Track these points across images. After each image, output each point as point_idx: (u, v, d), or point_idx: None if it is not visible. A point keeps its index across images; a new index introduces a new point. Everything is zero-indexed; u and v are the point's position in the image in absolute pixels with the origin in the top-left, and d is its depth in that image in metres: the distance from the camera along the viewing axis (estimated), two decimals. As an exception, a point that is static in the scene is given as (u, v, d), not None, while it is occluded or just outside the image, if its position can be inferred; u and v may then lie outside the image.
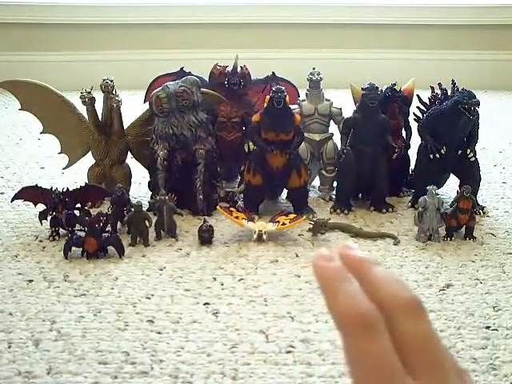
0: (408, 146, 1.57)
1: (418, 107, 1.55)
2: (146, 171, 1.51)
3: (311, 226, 1.32)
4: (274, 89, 1.41)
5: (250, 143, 1.48)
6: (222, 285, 1.14)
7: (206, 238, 1.29)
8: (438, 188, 1.43)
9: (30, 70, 2.39)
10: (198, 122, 1.43)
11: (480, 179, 1.47)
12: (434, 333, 0.34)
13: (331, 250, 0.36)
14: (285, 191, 1.50)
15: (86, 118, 1.51)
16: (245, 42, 2.75)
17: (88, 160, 1.55)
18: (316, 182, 1.60)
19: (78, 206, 1.36)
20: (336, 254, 0.36)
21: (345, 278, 0.34)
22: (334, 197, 1.53)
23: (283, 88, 1.41)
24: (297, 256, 1.25)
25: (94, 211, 1.35)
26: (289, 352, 0.94)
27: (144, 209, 1.33)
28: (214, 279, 1.16)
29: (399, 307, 0.34)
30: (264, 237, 1.29)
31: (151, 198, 1.46)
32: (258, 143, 1.42)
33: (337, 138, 1.55)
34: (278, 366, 0.91)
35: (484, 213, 1.45)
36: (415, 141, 1.54)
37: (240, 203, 1.47)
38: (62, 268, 1.19)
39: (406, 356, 0.33)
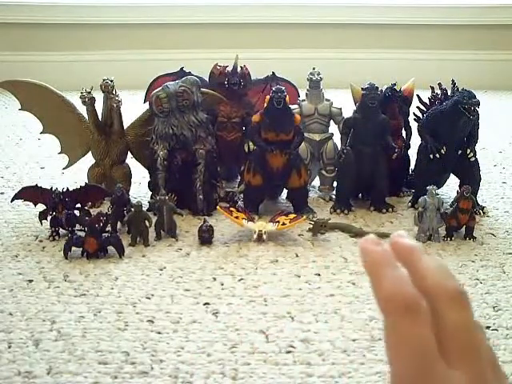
0: (408, 146, 1.57)
1: (418, 107, 1.55)
2: (146, 171, 1.52)
3: (311, 225, 1.32)
4: (274, 89, 1.41)
5: (250, 143, 1.48)
6: (222, 285, 1.14)
7: (205, 238, 1.29)
8: (438, 188, 1.43)
9: (30, 70, 2.39)
10: (198, 121, 1.43)
11: (480, 179, 1.47)
12: (477, 325, 0.34)
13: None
14: (285, 191, 1.50)
15: (86, 118, 1.51)
16: (245, 42, 2.75)
17: (88, 160, 1.55)
18: (316, 182, 1.60)
19: (78, 205, 1.36)
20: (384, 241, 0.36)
21: (391, 262, 0.35)
22: (333, 197, 1.53)
23: (283, 88, 1.41)
24: (297, 256, 1.25)
25: (94, 211, 1.35)
26: (289, 352, 0.94)
27: (144, 209, 1.33)
28: (214, 279, 1.16)
29: (444, 297, 0.34)
30: (264, 237, 1.29)
31: (151, 198, 1.46)
32: (258, 143, 1.42)
33: (337, 138, 1.55)
34: (278, 366, 0.91)
35: (484, 213, 1.45)
36: (415, 141, 1.54)
37: (240, 203, 1.47)
38: (61, 268, 1.19)
39: (447, 345, 0.33)
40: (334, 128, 1.58)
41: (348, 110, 1.52)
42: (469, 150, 1.44)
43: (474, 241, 1.31)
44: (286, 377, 0.89)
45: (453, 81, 1.48)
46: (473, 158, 1.44)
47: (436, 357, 0.32)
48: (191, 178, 1.42)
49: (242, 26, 2.81)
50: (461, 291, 0.35)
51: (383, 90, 1.50)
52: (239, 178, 1.56)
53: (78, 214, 1.34)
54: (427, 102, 1.53)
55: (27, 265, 1.21)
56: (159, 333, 0.99)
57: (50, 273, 1.17)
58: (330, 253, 1.26)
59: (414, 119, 1.54)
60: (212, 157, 1.44)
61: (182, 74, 1.60)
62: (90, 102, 1.47)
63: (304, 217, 1.35)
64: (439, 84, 1.49)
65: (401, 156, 1.52)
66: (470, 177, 1.44)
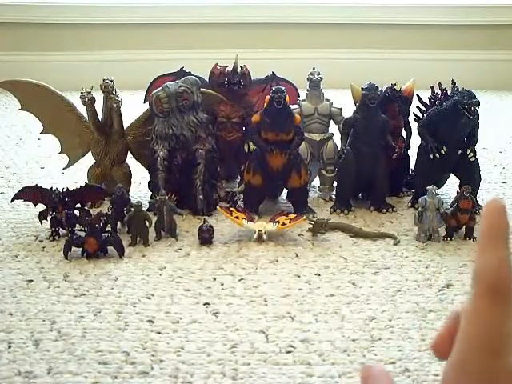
0: (408, 146, 1.57)
1: (418, 107, 1.55)
2: (146, 171, 1.51)
3: (311, 225, 1.32)
4: (273, 89, 1.41)
5: (250, 143, 1.48)
6: (222, 285, 1.14)
7: (205, 238, 1.29)
8: (438, 188, 1.43)
9: (29, 70, 2.39)
10: (198, 121, 1.43)
11: (480, 179, 1.47)
12: None
13: None
14: (285, 191, 1.50)
15: (86, 118, 1.51)
16: (245, 42, 2.75)
17: (88, 160, 1.55)
18: (316, 181, 1.60)
19: (78, 205, 1.36)
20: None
21: (506, 238, 0.34)
22: (333, 197, 1.53)
23: (283, 88, 1.41)
24: (297, 256, 1.25)
25: (94, 211, 1.35)
26: (289, 352, 0.94)
27: (144, 209, 1.33)
28: (214, 279, 1.16)
29: None
30: (264, 237, 1.29)
31: (151, 197, 1.46)
32: (258, 143, 1.42)
33: (337, 138, 1.55)
34: (278, 366, 0.91)
35: (484, 213, 1.45)
36: (415, 141, 1.54)
37: (240, 203, 1.47)
38: (62, 268, 1.19)
39: None
40: (334, 128, 1.58)
41: (348, 110, 1.52)
42: (469, 150, 1.44)
43: (474, 241, 1.31)
44: (286, 377, 0.89)
45: (453, 81, 1.48)
46: (473, 158, 1.44)
47: (504, 345, 0.32)
48: (191, 178, 1.42)
49: (241, 26, 2.81)
50: None
51: (383, 89, 1.50)
52: (239, 177, 1.56)
53: (78, 214, 1.34)
54: (427, 102, 1.53)
55: (27, 265, 1.21)
56: (159, 333, 0.99)
57: (49, 273, 1.17)
58: (330, 253, 1.26)
59: (414, 119, 1.54)
60: (212, 157, 1.44)
61: (181, 74, 1.59)
62: (90, 101, 1.47)
63: (304, 217, 1.35)
64: (439, 84, 1.49)
65: (401, 156, 1.52)
66: (470, 177, 1.44)
